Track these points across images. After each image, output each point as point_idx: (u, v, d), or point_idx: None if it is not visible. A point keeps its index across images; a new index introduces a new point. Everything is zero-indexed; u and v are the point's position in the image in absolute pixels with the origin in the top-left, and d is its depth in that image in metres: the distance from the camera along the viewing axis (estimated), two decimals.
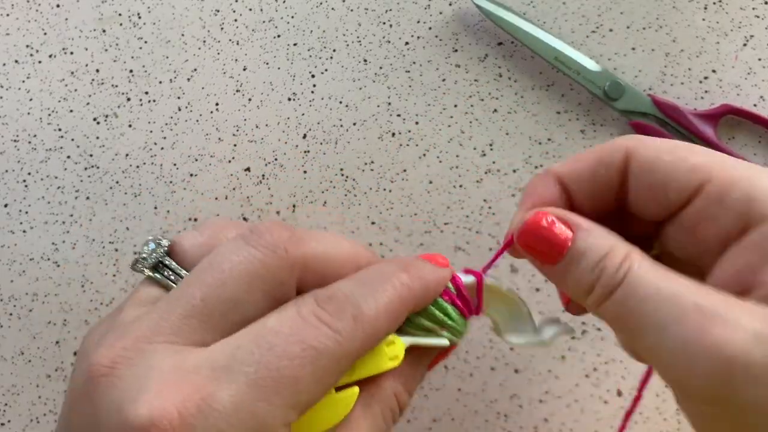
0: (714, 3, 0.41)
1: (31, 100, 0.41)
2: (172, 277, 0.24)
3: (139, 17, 0.41)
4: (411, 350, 0.25)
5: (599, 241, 0.22)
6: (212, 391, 0.19)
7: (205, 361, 0.20)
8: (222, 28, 0.41)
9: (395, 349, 0.24)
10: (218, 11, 0.41)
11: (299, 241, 0.23)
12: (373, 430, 0.24)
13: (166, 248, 0.24)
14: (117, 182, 0.41)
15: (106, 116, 0.41)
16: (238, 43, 0.41)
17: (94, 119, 0.41)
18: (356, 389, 0.23)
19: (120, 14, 0.41)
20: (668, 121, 0.40)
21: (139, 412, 0.19)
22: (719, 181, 0.21)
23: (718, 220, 0.21)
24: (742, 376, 0.19)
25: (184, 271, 0.24)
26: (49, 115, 0.41)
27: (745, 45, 0.40)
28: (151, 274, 0.24)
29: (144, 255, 0.24)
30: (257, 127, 0.41)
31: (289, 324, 0.21)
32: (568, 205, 0.25)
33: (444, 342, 0.25)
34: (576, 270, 0.22)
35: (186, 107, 0.41)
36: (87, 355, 0.22)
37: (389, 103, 0.41)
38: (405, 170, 0.41)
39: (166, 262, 0.24)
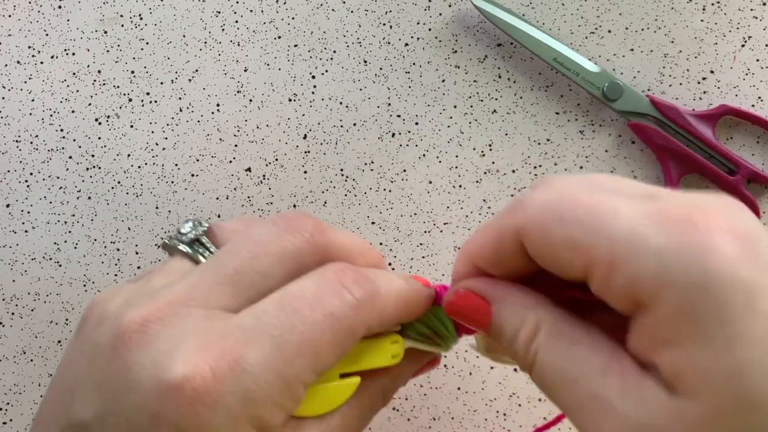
0: (712, 4, 0.41)
1: (33, 100, 0.41)
2: (206, 254, 0.25)
3: (141, 18, 0.42)
4: (405, 354, 0.26)
5: (511, 317, 0.22)
6: (242, 353, 0.20)
7: (236, 325, 0.21)
8: (223, 30, 0.42)
9: (398, 348, 0.25)
10: (219, 12, 0.42)
11: (323, 230, 0.24)
12: (359, 420, 0.25)
13: (205, 228, 0.26)
14: (118, 182, 0.41)
15: (108, 117, 0.41)
16: (239, 44, 0.41)
17: (96, 120, 0.41)
18: (358, 379, 0.24)
19: (121, 15, 0.42)
20: (667, 121, 0.40)
21: (174, 368, 0.20)
22: (601, 265, 0.19)
23: (613, 301, 0.20)
24: None
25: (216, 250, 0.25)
26: (51, 115, 0.41)
27: (743, 46, 0.41)
28: (185, 248, 0.25)
29: (183, 231, 0.25)
30: (258, 127, 0.41)
31: (313, 288, 0.22)
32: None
33: (439, 350, 0.26)
34: (503, 344, 0.23)
35: (187, 108, 0.41)
36: (113, 315, 0.22)
37: (389, 104, 0.41)
38: (405, 170, 0.41)
39: (203, 241, 0.25)
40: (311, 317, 0.21)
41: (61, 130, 0.41)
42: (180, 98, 0.41)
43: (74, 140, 0.41)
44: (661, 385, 0.18)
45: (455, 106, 0.41)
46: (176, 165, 0.41)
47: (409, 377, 0.28)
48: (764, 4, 0.41)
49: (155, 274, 0.24)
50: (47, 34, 0.42)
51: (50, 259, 0.41)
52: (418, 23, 0.41)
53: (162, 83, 0.41)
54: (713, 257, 0.17)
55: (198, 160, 0.41)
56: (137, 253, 0.41)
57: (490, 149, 0.41)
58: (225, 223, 0.26)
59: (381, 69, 0.41)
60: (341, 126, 0.41)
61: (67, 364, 0.24)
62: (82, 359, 0.22)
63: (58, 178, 0.41)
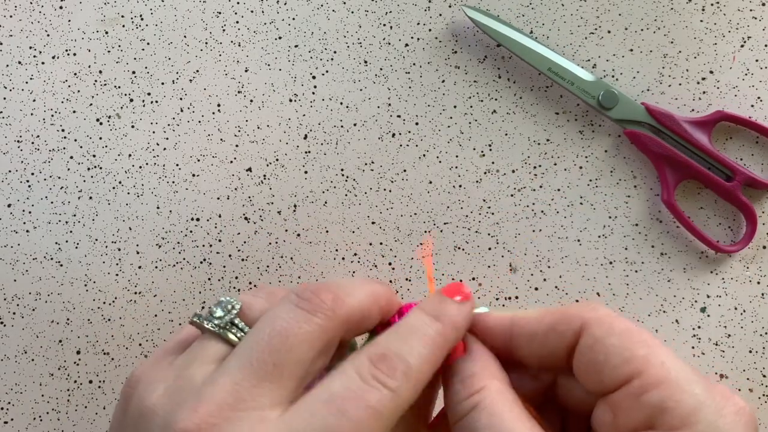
0: (711, 4, 0.41)
1: (34, 101, 0.41)
2: (237, 334, 0.26)
3: (142, 19, 0.42)
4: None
5: (468, 366, 0.26)
6: None
7: (286, 425, 0.23)
8: (224, 30, 0.42)
9: None
10: (220, 13, 0.42)
11: (341, 302, 0.26)
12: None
13: (237, 311, 0.27)
14: (120, 182, 0.41)
15: (109, 117, 0.42)
16: (239, 45, 0.42)
17: (97, 120, 0.41)
18: None
19: (122, 16, 0.42)
20: (662, 129, 0.40)
21: None
22: (646, 378, 0.23)
23: (631, 413, 0.23)
24: None
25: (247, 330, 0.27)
26: (53, 116, 0.41)
27: (742, 46, 0.41)
28: (220, 332, 0.26)
29: (217, 315, 0.27)
30: (258, 127, 0.41)
31: (353, 387, 0.23)
32: (509, 352, 0.27)
33: None
34: (452, 381, 0.26)
35: (188, 108, 0.41)
36: (160, 413, 0.23)
37: (389, 104, 0.41)
38: (405, 170, 0.41)
39: (236, 322, 0.27)
40: (357, 416, 0.23)
41: (63, 131, 0.41)
42: (181, 98, 0.41)
43: (75, 140, 0.41)
44: None
45: (455, 107, 0.41)
46: (177, 165, 0.41)
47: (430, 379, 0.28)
48: (763, 4, 0.41)
49: (192, 361, 0.25)
50: (48, 35, 0.42)
51: (51, 258, 0.41)
52: (418, 24, 0.41)
53: (163, 83, 0.42)
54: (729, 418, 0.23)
55: (199, 161, 0.41)
56: (138, 253, 0.41)
57: (490, 149, 0.41)
58: (253, 301, 0.27)
59: (381, 69, 0.41)
60: (341, 126, 0.41)
61: None
62: None
63: (59, 178, 0.41)
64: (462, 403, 0.25)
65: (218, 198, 0.41)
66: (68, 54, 0.42)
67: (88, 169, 0.41)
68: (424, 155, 0.41)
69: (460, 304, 0.27)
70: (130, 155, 0.41)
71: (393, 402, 0.23)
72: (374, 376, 0.24)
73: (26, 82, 0.42)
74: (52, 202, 0.41)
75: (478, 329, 0.28)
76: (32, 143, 0.41)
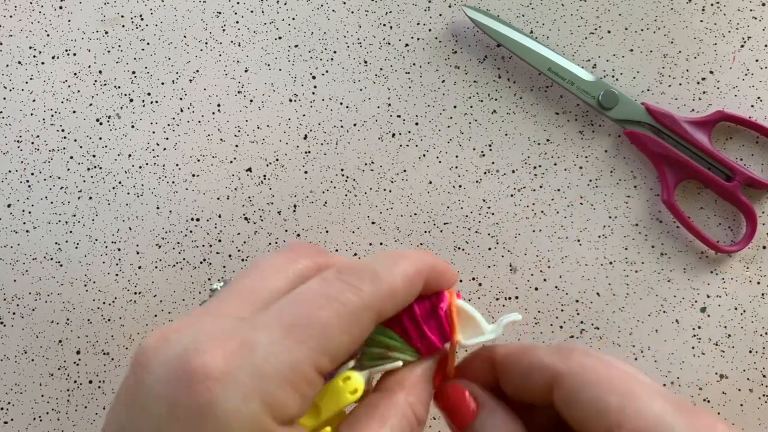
0: (711, 5, 0.41)
1: (34, 101, 0.41)
2: None
3: (142, 19, 0.42)
4: (412, 367, 0.26)
5: (493, 428, 0.26)
6: (252, 336, 0.22)
7: (249, 320, 0.23)
8: (224, 30, 0.42)
9: (353, 383, 0.26)
10: (220, 13, 0.42)
11: (324, 252, 0.26)
12: None
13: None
14: (119, 182, 0.41)
15: (109, 117, 0.42)
16: (239, 45, 0.42)
17: (97, 120, 0.41)
18: (329, 429, 0.25)
19: (122, 16, 0.42)
20: (663, 129, 0.40)
21: (190, 357, 0.21)
22: (624, 430, 0.23)
23: None
24: None
25: None
26: (52, 116, 0.41)
27: (742, 46, 0.41)
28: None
29: (213, 287, 0.29)
30: (258, 127, 0.41)
31: (316, 286, 0.24)
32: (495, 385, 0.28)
33: (398, 363, 0.26)
34: None
35: (188, 108, 0.41)
36: (156, 335, 0.24)
37: (389, 104, 0.41)
38: (405, 170, 0.41)
39: None
40: (316, 302, 0.23)
41: (62, 131, 0.41)
42: (181, 98, 0.41)
43: (75, 140, 0.41)
44: None
45: (455, 107, 0.41)
46: (177, 165, 0.41)
47: (430, 387, 0.28)
48: (763, 4, 0.41)
49: None
50: (48, 35, 0.42)
51: (51, 258, 0.41)
52: (418, 24, 0.41)
53: (163, 83, 0.42)
54: None
55: (199, 161, 0.41)
56: (138, 253, 0.41)
57: (490, 149, 0.41)
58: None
59: (381, 69, 0.41)
60: (341, 126, 0.41)
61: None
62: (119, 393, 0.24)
63: (59, 178, 0.41)
64: None
65: (218, 198, 0.41)
66: (68, 54, 0.42)
67: (88, 169, 0.41)
68: (424, 155, 0.41)
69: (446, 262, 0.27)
70: (130, 155, 0.41)
71: (357, 298, 0.23)
72: (339, 277, 0.24)
73: (26, 82, 0.42)
74: (51, 202, 0.41)
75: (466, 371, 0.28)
76: (32, 143, 0.41)
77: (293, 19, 0.42)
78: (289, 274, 0.25)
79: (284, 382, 0.21)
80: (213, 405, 0.20)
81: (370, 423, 0.24)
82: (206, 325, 0.22)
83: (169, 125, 0.41)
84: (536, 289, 0.41)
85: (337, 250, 0.41)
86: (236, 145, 0.41)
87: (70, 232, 0.41)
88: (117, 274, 0.41)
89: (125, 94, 0.42)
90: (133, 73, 0.42)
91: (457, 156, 0.41)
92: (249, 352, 0.21)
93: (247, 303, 0.24)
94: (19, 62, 0.42)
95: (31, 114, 0.41)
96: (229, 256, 0.41)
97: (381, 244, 0.41)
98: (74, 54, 0.42)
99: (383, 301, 0.24)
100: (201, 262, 0.41)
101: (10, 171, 0.41)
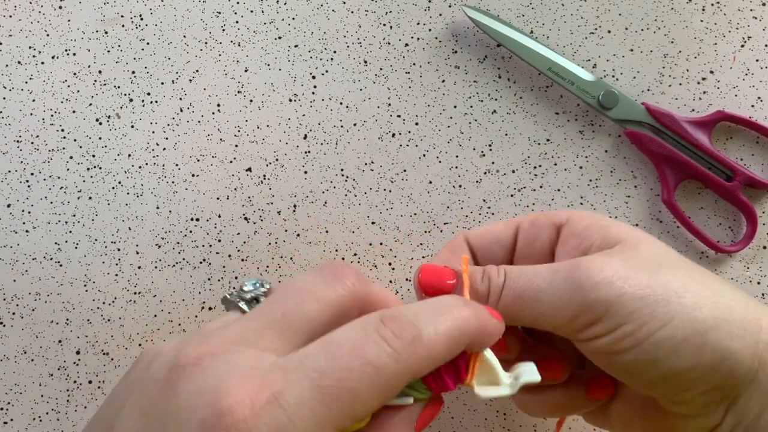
0: (712, 4, 0.41)
1: (33, 101, 0.41)
2: None
3: (141, 19, 0.42)
4: (397, 408, 0.25)
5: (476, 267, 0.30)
6: (282, 389, 0.21)
7: (281, 364, 0.22)
8: (223, 30, 0.42)
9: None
10: (220, 13, 0.42)
11: (363, 280, 0.26)
12: None
13: (266, 289, 0.28)
14: (119, 182, 0.41)
15: (109, 117, 0.41)
16: (239, 45, 0.42)
17: (97, 120, 0.41)
18: None
19: (122, 16, 0.42)
20: (663, 129, 0.40)
21: (218, 397, 0.21)
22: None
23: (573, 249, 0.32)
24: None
25: None
26: (52, 116, 0.41)
27: (742, 46, 0.41)
28: (244, 306, 0.27)
29: (246, 290, 0.27)
30: (258, 127, 0.41)
31: (354, 338, 0.23)
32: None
33: (408, 400, 0.26)
34: (472, 286, 0.29)
35: (188, 108, 0.41)
36: (168, 353, 0.24)
37: (389, 104, 0.41)
38: (405, 170, 0.41)
39: (262, 300, 0.27)
40: (350, 364, 0.22)
41: (62, 130, 0.41)
42: (180, 98, 0.41)
43: (75, 140, 0.41)
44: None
45: (455, 107, 0.41)
46: (177, 165, 0.41)
47: (410, 428, 0.27)
48: (764, 4, 0.41)
49: (210, 323, 0.26)
50: (48, 35, 0.42)
51: (51, 259, 0.41)
52: (418, 24, 0.41)
53: (162, 83, 0.41)
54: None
55: (198, 161, 0.41)
56: (138, 253, 0.41)
57: (490, 149, 0.41)
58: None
59: (381, 69, 0.41)
60: (341, 126, 0.41)
61: (111, 399, 0.25)
62: (128, 392, 0.24)
63: (58, 178, 0.41)
64: (495, 285, 0.29)
65: (218, 198, 0.41)
66: (68, 54, 0.42)
67: (88, 169, 0.41)
68: (424, 155, 0.41)
69: (492, 315, 0.26)
70: (129, 155, 0.41)
71: (394, 363, 0.22)
72: (378, 331, 0.23)
73: (26, 82, 0.42)
74: (51, 202, 0.41)
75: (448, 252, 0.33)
76: (32, 143, 0.41)
77: (293, 18, 0.42)
78: (328, 302, 0.25)
79: None
80: None
81: None
82: (242, 359, 0.22)
83: (168, 125, 0.41)
84: None
85: (337, 251, 0.41)
86: (236, 145, 0.41)
87: (70, 232, 0.41)
88: (117, 274, 0.41)
89: (125, 94, 0.42)
90: (133, 73, 0.42)
91: (457, 156, 0.41)
92: (276, 408, 0.21)
93: (284, 334, 0.24)
94: (19, 62, 0.42)
95: (31, 114, 0.41)
96: (229, 256, 0.41)
97: (381, 244, 0.41)
98: (74, 54, 0.42)
99: (420, 365, 0.23)
100: (201, 262, 0.41)
101: (9, 171, 0.41)
